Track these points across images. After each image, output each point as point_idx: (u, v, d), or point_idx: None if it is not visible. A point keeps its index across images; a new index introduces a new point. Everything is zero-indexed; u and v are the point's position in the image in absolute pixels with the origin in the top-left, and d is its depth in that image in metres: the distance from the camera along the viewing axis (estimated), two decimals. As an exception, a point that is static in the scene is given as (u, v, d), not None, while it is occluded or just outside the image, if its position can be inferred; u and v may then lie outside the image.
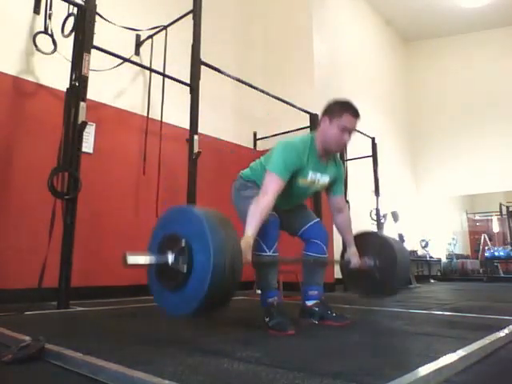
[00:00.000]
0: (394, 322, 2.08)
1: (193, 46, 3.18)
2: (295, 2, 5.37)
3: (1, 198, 2.91)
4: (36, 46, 3.08)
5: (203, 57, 3.21)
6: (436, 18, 8.44)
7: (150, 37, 3.90)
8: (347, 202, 4.60)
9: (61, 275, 2.40)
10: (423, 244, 8.30)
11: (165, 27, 3.76)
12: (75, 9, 2.76)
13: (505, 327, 1.76)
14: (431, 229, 8.89)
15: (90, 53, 2.60)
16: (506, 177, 7.93)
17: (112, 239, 3.45)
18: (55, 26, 3.08)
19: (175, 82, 3.30)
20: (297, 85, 4.98)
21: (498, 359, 1.36)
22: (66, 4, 2.95)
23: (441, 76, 9.16)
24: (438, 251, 8.96)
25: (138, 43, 3.96)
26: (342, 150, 2.11)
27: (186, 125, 3.15)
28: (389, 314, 2.47)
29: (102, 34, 2.90)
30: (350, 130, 1.94)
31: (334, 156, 2.12)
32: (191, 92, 3.13)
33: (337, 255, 2.36)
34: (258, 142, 5.23)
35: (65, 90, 2.63)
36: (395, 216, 6.13)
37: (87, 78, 2.58)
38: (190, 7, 3.28)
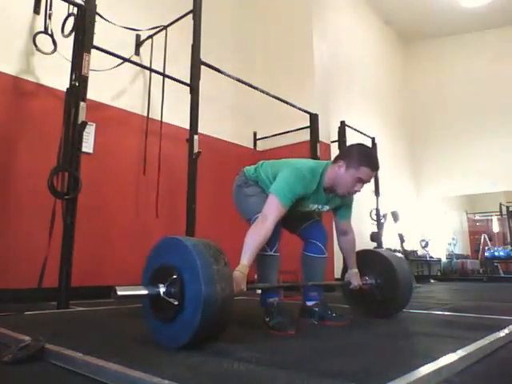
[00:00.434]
0: (394, 322, 2.08)
1: (193, 46, 3.18)
2: (295, 2, 5.37)
3: (1, 198, 2.91)
4: (36, 46, 3.08)
5: (203, 57, 3.21)
6: (436, 18, 8.44)
7: (150, 37, 3.91)
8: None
9: (61, 275, 2.40)
10: (423, 244, 8.31)
11: (165, 27, 3.77)
12: (75, 9, 2.76)
13: (505, 327, 1.76)
14: (431, 229, 8.89)
15: (89, 53, 2.60)
16: (505, 177, 7.94)
17: (112, 239, 3.45)
18: (55, 25, 3.08)
19: (175, 82, 3.30)
20: (297, 85, 4.98)
21: (498, 359, 1.36)
22: (66, 4, 2.95)
23: (440, 76, 9.16)
24: (438, 251, 8.97)
25: (138, 43, 3.96)
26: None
27: (186, 125, 3.15)
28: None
29: (102, 33, 2.90)
30: (364, 182, 1.89)
31: None
32: (191, 92, 3.13)
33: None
34: (258, 142, 5.23)
35: (65, 90, 2.63)
36: (395, 216, 6.13)
37: (87, 77, 2.58)
38: (190, 7, 3.28)
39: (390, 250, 5.77)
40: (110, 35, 3.35)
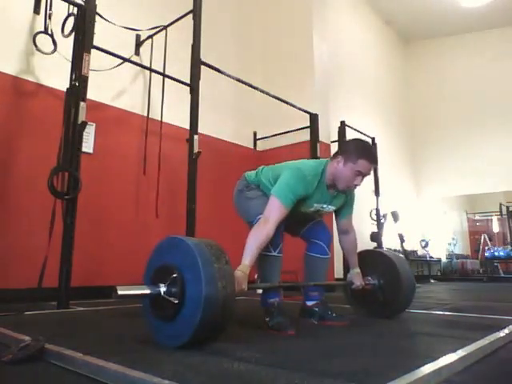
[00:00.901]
0: (394, 322, 2.08)
1: (193, 46, 3.18)
2: (295, 2, 5.37)
3: (1, 198, 2.91)
4: (36, 46, 3.08)
5: (203, 57, 3.21)
6: (436, 18, 8.44)
7: (150, 37, 3.90)
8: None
9: (61, 275, 2.40)
10: (423, 244, 8.31)
11: (165, 27, 3.76)
12: (75, 9, 2.76)
13: (505, 327, 1.76)
14: (431, 229, 8.89)
15: (89, 53, 2.60)
16: (505, 177, 7.94)
17: (112, 239, 3.45)
18: (55, 26, 3.08)
19: (175, 82, 3.30)
20: (297, 85, 4.98)
21: (498, 359, 1.36)
22: (66, 4, 2.95)
23: (440, 76, 9.16)
24: (438, 251, 8.97)
25: (138, 43, 3.96)
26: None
27: (186, 125, 3.15)
28: (389, 314, 2.47)
29: (102, 33, 2.90)
30: (363, 175, 1.91)
31: None
32: (191, 92, 3.13)
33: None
34: (258, 142, 5.23)
35: (65, 90, 2.63)
36: (395, 216, 6.13)
37: (87, 77, 2.58)
38: (190, 7, 3.27)
39: (390, 250, 5.77)
40: (110, 35, 3.35)
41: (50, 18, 3.11)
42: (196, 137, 3.07)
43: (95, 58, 2.71)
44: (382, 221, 5.49)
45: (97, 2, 2.72)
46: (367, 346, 1.49)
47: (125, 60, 3.25)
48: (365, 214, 5.53)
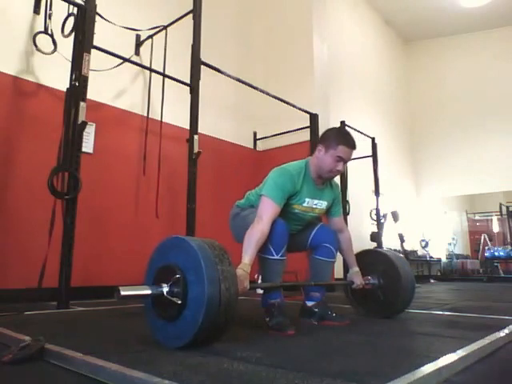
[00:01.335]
0: (394, 322, 2.08)
1: (193, 46, 3.18)
2: (295, 2, 5.37)
3: (1, 198, 2.91)
4: (36, 46, 3.08)
5: (203, 57, 3.22)
6: (436, 18, 8.44)
7: (150, 37, 3.91)
8: (347, 201, 4.65)
9: (61, 275, 2.40)
10: (423, 244, 8.31)
11: (165, 27, 3.77)
12: (75, 9, 2.76)
13: (505, 327, 1.76)
14: (431, 229, 8.89)
15: (90, 53, 2.60)
16: (505, 177, 7.94)
17: (112, 239, 3.45)
18: (55, 26, 3.08)
19: (175, 82, 3.30)
20: (297, 85, 4.98)
21: (498, 359, 1.36)
22: (66, 4, 2.95)
23: (440, 76, 9.16)
24: (438, 251, 8.97)
25: (138, 43, 3.96)
26: (334, 177, 2.09)
27: (186, 125, 3.15)
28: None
29: (102, 33, 2.90)
30: (344, 161, 1.96)
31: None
32: (191, 92, 3.13)
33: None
34: (258, 142, 5.24)
35: (65, 90, 2.63)
36: (395, 216, 6.13)
37: (87, 77, 2.58)
38: (190, 7, 3.28)
39: (390, 249, 5.77)
40: (110, 35, 3.35)
41: (50, 18, 3.11)
42: (196, 137, 3.07)
43: (95, 58, 2.71)
44: (382, 221, 5.49)
45: (97, 2, 2.72)
46: (367, 345, 1.49)
47: (125, 60, 3.25)
48: (365, 214, 5.54)
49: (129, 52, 3.81)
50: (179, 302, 1.28)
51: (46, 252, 2.46)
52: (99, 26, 2.82)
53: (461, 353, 1.24)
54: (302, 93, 4.85)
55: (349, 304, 2.38)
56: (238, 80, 3.82)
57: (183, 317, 1.28)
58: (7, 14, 3.09)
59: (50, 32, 3.08)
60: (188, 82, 3.16)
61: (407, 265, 2.24)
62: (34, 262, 2.52)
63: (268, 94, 4.15)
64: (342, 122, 5.04)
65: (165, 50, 3.83)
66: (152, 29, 3.83)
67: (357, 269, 2.15)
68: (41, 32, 3.07)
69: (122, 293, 1.27)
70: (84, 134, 2.60)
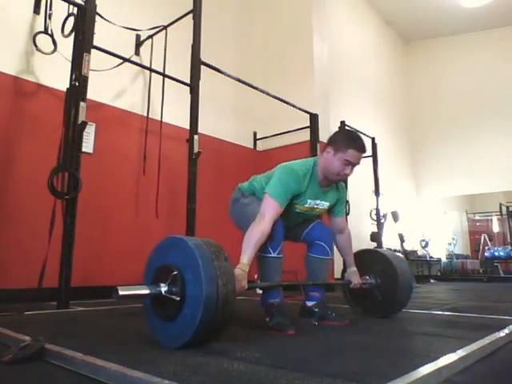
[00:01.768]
0: (394, 322, 2.08)
1: (193, 46, 3.18)
2: (295, 2, 5.37)
3: (1, 198, 2.91)
4: (36, 46, 3.08)
5: (203, 57, 3.22)
6: (436, 18, 8.44)
7: (150, 37, 3.91)
8: (347, 201, 4.64)
9: (61, 275, 2.40)
10: (423, 244, 8.31)
11: (165, 27, 3.77)
12: (75, 9, 2.76)
13: (505, 327, 1.76)
14: (431, 229, 8.89)
15: (90, 53, 2.60)
16: (506, 177, 7.94)
17: (112, 239, 3.45)
18: (55, 26, 3.08)
19: (175, 82, 3.30)
20: (297, 85, 4.99)
21: (498, 359, 1.36)
22: (66, 4, 2.95)
23: (440, 76, 9.16)
24: (438, 251, 8.97)
25: (138, 43, 3.96)
26: (342, 180, 2.07)
27: (186, 125, 3.15)
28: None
29: (102, 33, 2.90)
30: (353, 165, 1.92)
31: None
32: (191, 92, 3.13)
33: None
34: (258, 142, 5.24)
35: (65, 90, 2.63)
36: (395, 216, 6.13)
37: (87, 77, 2.58)
38: (190, 7, 3.28)
39: (390, 249, 5.77)
40: (110, 35, 3.35)
41: (50, 18, 3.11)
42: (196, 137, 3.07)
43: (95, 58, 2.71)
44: (381, 221, 5.49)
45: (97, 2, 2.72)
46: (367, 345, 1.49)
47: (125, 60, 3.25)
48: (365, 214, 5.54)
49: (129, 52, 3.81)
50: (178, 299, 1.29)
51: (46, 252, 2.46)
52: (99, 25, 2.82)
53: (461, 353, 1.24)
54: (301, 93, 4.85)
55: (346, 304, 2.38)
56: (238, 80, 3.82)
57: (182, 315, 1.29)
58: (7, 14, 3.09)
59: (50, 32, 3.08)
60: (188, 82, 3.16)
61: (405, 264, 2.24)
62: (34, 262, 2.52)
63: (268, 94, 4.15)
64: (342, 122, 5.04)
65: (165, 50, 3.83)
66: (152, 29, 3.83)
67: (354, 268, 2.15)
68: (41, 32, 3.07)
69: (121, 293, 1.27)
70: (84, 133, 2.60)
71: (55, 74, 3.12)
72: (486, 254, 8.41)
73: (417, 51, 9.56)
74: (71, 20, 2.93)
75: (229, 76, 3.68)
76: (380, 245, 5.23)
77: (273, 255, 1.86)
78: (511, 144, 8.02)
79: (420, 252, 8.31)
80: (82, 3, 2.70)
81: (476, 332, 1.67)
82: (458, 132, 8.63)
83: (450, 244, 9.32)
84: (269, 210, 1.78)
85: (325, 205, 2.05)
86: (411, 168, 9.00)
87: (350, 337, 1.65)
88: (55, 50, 3.07)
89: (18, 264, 2.85)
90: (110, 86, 3.66)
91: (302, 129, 4.67)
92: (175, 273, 1.31)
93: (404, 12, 8.34)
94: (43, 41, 3.09)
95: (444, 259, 9.08)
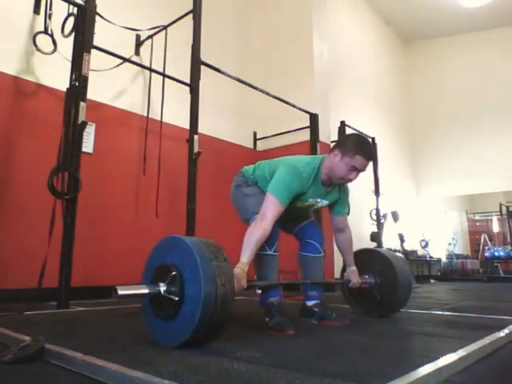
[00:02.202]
0: (394, 322, 2.08)
1: (193, 46, 3.18)
2: (295, 2, 5.37)
3: (1, 198, 2.91)
4: (36, 46, 3.08)
5: (203, 57, 3.22)
6: (436, 18, 8.44)
7: (150, 37, 3.91)
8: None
9: (61, 275, 2.40)
10: (423, 244, 8.31)
11: (165, 27, 3.77)
12: (75, 9, 2.76)
13: (505, 327, 1.76)
14: (431, 229, 8.89)
15: (90, 53, 2.60)
16: (506, 177, 7.94)
17: (112, 239, 3.45)
18: (55, 26, 3.08)
19: (175, 82, 3.30)
20: (297, 85, 4.98)
21: (498, 359, 1.36)
22: (66, 4, 2.95)
23: (440, 76, 9.16)
24: (438, 251, 8.97)
25: (138, 43, 3.96)
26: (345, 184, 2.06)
27: (186, 125, 3.15)
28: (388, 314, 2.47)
29: (102, 33, 2.90)
30: (358, 171, 1.91)
31: None
32: (191, 92, 3.13)
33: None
34: (258, 142, 5.23)
35: (65, 90, 2.63)
36: (395, 216, 6.13)
37: (87, 77, 2.58)
38: (190, 7, 3.28)
39: (390, 249, 5.78)
40: (110, 35, 3.35)
41: (50, 18, 3.11)
42: (196, 137, 3.07)
43: (95, 58, 2.71)
44: (381, 221, 5.49)
45: (97, 2, 2.72)
46: (367, 345, 1.49)
47: (125, 60, 3.25)
48: (365, 214, 5.54)
49: (129, 52, 3.81)
50: (176, 298, 1.29)
51: (46, 252, 2.46)
52: (99, 25, 2.82)
53: (461, 353, 1.24)
54: (301, 93, 4.85)
55: (346, 303, 2.38)
56: (238, 80, 3.82)
57: (181, 314, 1.29)
58: (7, 14, 3.09)
59: (50, 32, 3.08)
60: (188, 82, 3.16)
61: (404, 264, 2.24)
62: (34, 262, 2.52)
63: (268, 94, 4.15)
64: (342, 122, 5.04)
65: (165, 50, 3.83)
66: (152, 29, 3.83)
67: (354, 268, 2.15)
68: (41, 32, 3.07)
69: (120, 292, 1.27)
70: (84, 133, 2.60)
71: (55, 74, 3.12)
72: (486, 254, 8.41)
73: (417, 51, 9.56)
74: (71, 20, 2.93)
75: (229, 76, 3.68)
76: (380, 245, 5.23)
77: (269, 253, 1.88)
78: (511, 144, 8.02)
79: (420, 252, 8.30)
80: (82, 3, 2.70)
81: (476, 332, 1.67)
82: (458, 132, 8.63)
83: (449, 244, 9.32)
84: (270, 210, 1.78)
85: (325, 203, 2.05)
86: (411, 168, 9.00)
87: (349, 337, 1.65)
88: (55, 50, 3.07)
89: (18, 264, 2.85)
90: (110, 86, 3.66)
91: (301, 129, 4.67)
92: (174, 273, 1.32)
93: (404, 12, 8.34)
94: (43, 41, 3.09)
95: (444, 259, 9.08)
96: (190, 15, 3.27)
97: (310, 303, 2.03)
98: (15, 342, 1.31)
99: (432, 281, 7.59)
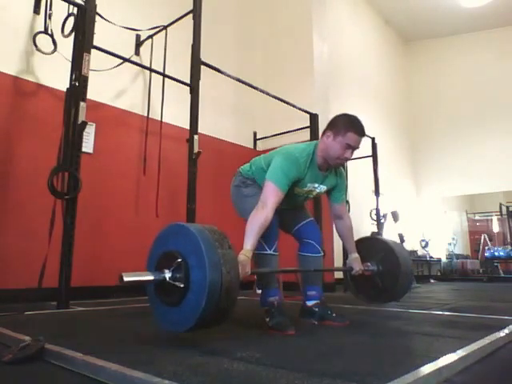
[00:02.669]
0: (394, 322, 2.08)
1: (193, 46, 3.18)
2: (295, 2, 5.37)
3: (1, 198, 2.90)
4: (36, 46, 3.08)
5: (203, 57, 3.21)
6: (436, 18, 8.44)
7: (150, 37, 3.90)
8: (347, 202, 4.64)
9: (61, 275, 2.40)
10: (423, 244, 8.31)
11: (165, 27, 3.76)
12: (75, 9, 2.76)
13: (505, 327, 1.76)
14: (431, 229, 8.89)
15: (90, 53, 2.60)
16: (506, 177, 7.94)
17: (112, 239, 3.45)
18: (55, 26, 3.08)
19: (175, 82, 3.30)
20: (297, 85, 4.98)
21: (498, 359, 1.36)
22: (66, 4, 2.95)
23: (440, 76, 9.16)
24: (438, 251, 8.96)
25: (138, 43, 3.96)
26: (342, 165, 2.08)
27: (186, 125, 3.15)
28: (389, 314, 2.47)
29: (102, 33, 2.90)
30: (353, 148, 1.92)
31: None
32: (191, 92, 3.13)
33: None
34: (258, 142, 5.23)
35: (65, 90, 2.63)
36: (395, 216, 6.13)
37: (87, 78, 2.58)
38: (190, 7, 3.28)
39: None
40: (110, 35, 3.35)
41: (50, 18, 3.10)
42: (196, 137, 3.07)
43: (95, 58, 2.71)
44: (381, 221, 5.48)
45: (97, 2, 2.72)
46: (367, 345, 1.49)
47: (125, 60, 3.25)
48: (365, 214, 5.53)
49: (129, 52, 3.81)
50: (182, 285, 1.29)
51: (46, 252, 2.46)
52: (99, 25, 2.82)
53: (461, 353, 1.24)
54: (301, 93, 4.85)
55: (348, 290, 2.38)
56: (238, 80, 3.81)
57: (186, 301, 1.30)
58: (7, 14, 3.09)
59: (50, 32, 3.08)
60: (188, 82, 3.16)
61: (405, 252, 2.25)
62: (34, 262, 2.51)
63: (268, 94, 4.15)
64: (342, 122, 5.02)
65: (165, 50, 3.83)
66: (152, 29, 3.83)
67: (356, 255, 2.15)
68: (41, 32, 3.07)
69: (125, 278, 1.28)
70: (84, 133, 2.60)
71: (55, 74, 3.12)
72: (486, 254, 8.41)
73: (417, 51, 9.56)
74: (71, 20, 2.93)
75: (229, 76, 3.68)
76: (380, 245, 5.22)
77: (269, 252, 1.89)
78: (511, 144, 8.02)
79: (420, 252, 8.30)
80: (82, 3, 2.70)
81: (476, 332, 1.67)
82: (458, 132, 8.63)
83: (449, 244, 9.32)
84: (270, 197, 1.79)
85: (323, 188, 2.05)
86: (411, 168, 9.00)
87: (350, 337, 1.65)
88: (55, 50, 3.07)
89: (18, 264, 2.85)
90: (110, 86, 3.66)
91: (301, 129, 4.66)
92: (179, 260, 1.32)
93: (404, 12, 8.33)
94: (43, 41, 3.09)
95: (444, 259, 9.08)
96: (190, 15, 3.27)
97: (309, 303, 2.03)
98: (15, 342, 1.31)
99: (432, 281, 7.59)
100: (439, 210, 9.44)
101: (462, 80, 8.83)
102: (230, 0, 5.24)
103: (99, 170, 3.42)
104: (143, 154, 3.76)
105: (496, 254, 8.22)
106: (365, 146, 5.38)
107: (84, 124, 2.53)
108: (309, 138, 4.59)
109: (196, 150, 3.05)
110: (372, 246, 2.24)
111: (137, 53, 3.96)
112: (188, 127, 3.11)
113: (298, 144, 2.06)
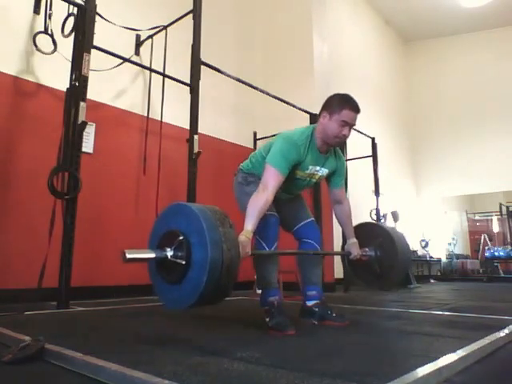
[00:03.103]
0: (394, 322, 2.08)
1: (193, 46, 3.18)
2: (295, 2, 5.37)
3: (1, 198, 2.91)
4: (36, 46, 3.08)
5: (203, 57, 3.21)
6: (436, 18, 8.44)
7: (150, 37, 3.90)
8: (347, 200, 4.65)
9: (61, 275, 2.40)
10: (423, 244, 8.30)
11: (165, 27, 3.76)
12: (75, 9, 2.76)
13: (505, 327, 1.76)
14: (431, 229, 8.89)
15: (90, 53, 2.60)
16: (506, 177, 7.94)
17: (112, 239, 3.45)
18: (55, 26, 3.08)
19: (175, 82, 3.30)
20: (297, 85, 4.98)
21: (498, 359, 1.36)
22: (66, 4, 2.95)
23: (440, 76, 9.16)
24: (438, 251, 8.96)
25: (138, 43, 3.96)
26: (342, 144, 2.11)
27: (186, 125, 3.15)
28: (389, 314, 2.47)
29: (102, 33, 2.90)
30: (349, 125, 1.94)
31: (334, 148, 2.11)
32: (191, 92, 3.13)
33: (337, 256, 2.35)
34: (258, 142, 5.23)
35: (65, 90, 2.63)
36: (395, 216, 6.13)
37: (87, 78, 2.58)
38: (190, 7, 3.27)
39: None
40: (110, 35, 3.35)
41: (50, 18, 3.11)
42: (196, 137, 3.07)
43: (95, 58, 2.71)
44: (382, 221, 5.49)
45: (97, 2, 2.72)
46: (367, 345, 1.49)
47: (125, 60, 3.25)
48: (365, 214, 5.53)
49: (129, 52, 3.81)
50: (183, 262, 1.30)
51: (46, 252, 2.46)
52: (99, 25, 2.81)
53: (461, 353, 1.24)
54: (301, 93, 4.85)
55: (346, 272, 2.37)
56: (238, 80, 3.81)
57: (188, 278, 1.31)
58: (7, 14, 3.09)
59: (50, 32, 3.08)
60: (188, 82, 3.16)
61: (404, 238, 2.24)
62: (34, 262, 2.52)
63: (268, 94, 4.15)
64: (342, 122, 5.02)
65: (165, 50, 3.83)
66: (152, 29, 3.83)
67: (354, 240, 2.16)
68: (41, 32, 3.07)
69: (128, 255, 1.29)
70: (84, 133, 2.60)
71: (55, 74, 3.12)
72: (486, 254, 8.40)
73: (417, 51, 9.56)
74: (71, 20, 2.93)
75: (229, 76, 3.68)
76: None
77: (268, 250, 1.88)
78: (511, 144, 8.02)
79: (420, 252, 8.30)
80: (82, 3, 2.70)
81: (476, 332, 1.67)
82: (458, 132, 8.63)
83: (449, 244, 9.31)
84: (271, 180, 1.81)
85: (324, 171, 2.06)
86: (411, 168, 9.00)
87: (349, 337, 1.65)
88: (55, 49, 3.07)
89: (18, 264, 2.85)
90: (110, 86, 3.66)
91: (301, 129, 4.66)
92: (181, 237, 1.33)
93: (404, 12, 8.33)
94: (43, 41, 3.09)
95: (444, 259, 9.07)
96: (190, 15, 3.27)
97: (310, 303, 2.03)
98: (15, 342, 1.31)
99: (432, 281, 7.59)
100: (439, 210, 9.44)
101: (462, 80, 8.83)
102: (229, 0, 5.24)
103: (99, 170, 3.42)
104: (143, 154, 3.76)
105: (496, 254, 8.21)
106: (365, 146, 5.42)
107: (84, 124, 2.53)
108: (309, 137, 4.59)
109: (196, 149, 3.05)
110: (370, 232, 2.25)
111: (137, 53, 3.96)
112: (188, 127, 3.11)
113: (295, 129, 2.07)
